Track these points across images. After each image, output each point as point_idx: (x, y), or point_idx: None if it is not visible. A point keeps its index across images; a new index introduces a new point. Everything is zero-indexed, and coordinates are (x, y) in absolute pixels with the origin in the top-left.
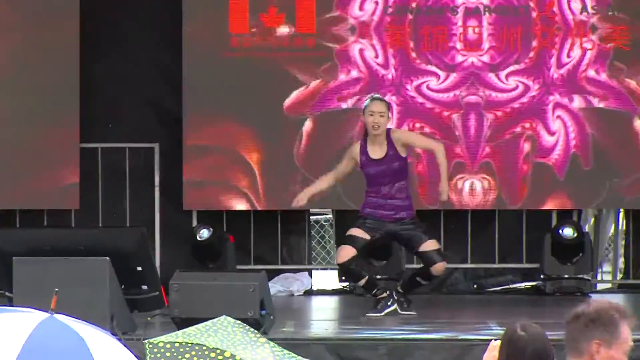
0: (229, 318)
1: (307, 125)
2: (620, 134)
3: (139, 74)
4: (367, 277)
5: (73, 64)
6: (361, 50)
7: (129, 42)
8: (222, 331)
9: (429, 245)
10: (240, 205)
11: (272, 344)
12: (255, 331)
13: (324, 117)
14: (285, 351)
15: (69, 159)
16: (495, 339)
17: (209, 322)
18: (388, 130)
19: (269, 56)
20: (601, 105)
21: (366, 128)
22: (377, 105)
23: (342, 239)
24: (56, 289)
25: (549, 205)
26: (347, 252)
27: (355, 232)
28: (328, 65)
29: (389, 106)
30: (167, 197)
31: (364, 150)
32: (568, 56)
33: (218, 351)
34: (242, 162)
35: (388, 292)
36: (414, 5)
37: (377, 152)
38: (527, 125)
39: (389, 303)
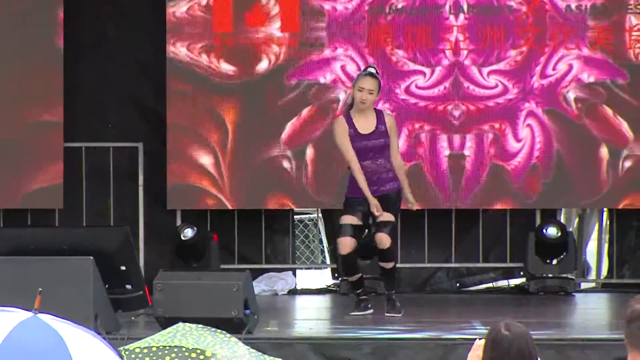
0: (188, 324)
1: (309, 153)
2: (586, 156)
3: (123, 73)
4: (360, 274)
5: (57, 64)
6: (343, 67)
7: (112, 42)
8: (189, 334)
9: (385, 217)
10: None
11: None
12: (223, 331)
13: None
14: (255, 351)
15: (53, 159)
16: (480, 339)
17: (171, 329)
18: (380, 111)
19: (252, 55)
20: (574, 123)
21: (352, 100)
22: (368, 82)
23: (337, 230)
24: (40, 289)
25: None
26: (348, 243)
27: (348, 219)
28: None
29: (379, 83)
30: (151, 197)
31: (351, 124)
32: (553, 69)
33: (199, 351)
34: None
35: (371, 294)
36: (399, 6)
37: (364, 126)
38: (497, 125)
39: (369, 305)
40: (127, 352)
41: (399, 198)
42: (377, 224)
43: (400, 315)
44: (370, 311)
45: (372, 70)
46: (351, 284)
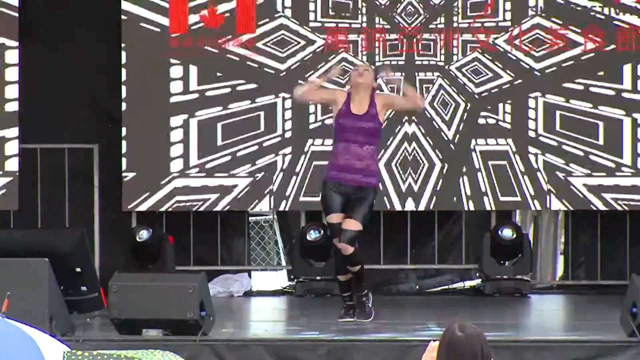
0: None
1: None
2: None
3: (78, 75)
4: (351, 276)
5: (12, 64)
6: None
7: (68, 43)
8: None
9: (350, 225)
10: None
11: None
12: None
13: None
14: None
15: (8, 160)
16: (434, 340)
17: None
18: (373, 92)
19: (208, 57)
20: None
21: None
22: (361, 65)
23: (330, 227)
24: (8, 293)
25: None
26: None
27: (337, 218)
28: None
29: (373, 69)
30: (107, 198)
31: (347, 102)
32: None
33: (136, 357)
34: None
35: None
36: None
37: (358, 107)
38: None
39: (355, 311)
40: (69, 354)
41: (375, 194)
42: (344, 230)
43: (369, 319)
44: (356, 317)
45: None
46: (340, 284)
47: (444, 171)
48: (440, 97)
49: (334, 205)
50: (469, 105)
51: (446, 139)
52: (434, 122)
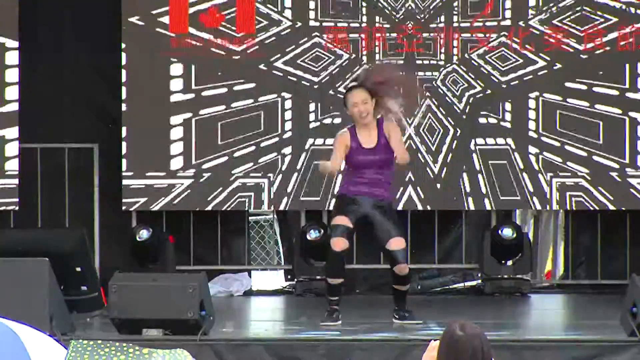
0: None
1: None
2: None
3: (78, 74)
4: (342, 280)
5: (12, 65)
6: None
7: (68, 43)
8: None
9: (397, 243)
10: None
11: None
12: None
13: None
14: None
15: (8, 160)
16: (435, 339)
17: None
18: (380, 120)
19: (208, 57)
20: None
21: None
22: (358, 94)
23: (332, 229)
24: None
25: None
26: (341, 243)
27: (342, 220)
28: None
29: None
30: (107, 198)
31: (354, 137)
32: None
33: (136, 347)
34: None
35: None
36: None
37: (367, 140)
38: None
39: (340, 316)
40: (75, 343)
41: (392, 207)
42: (391, 252)
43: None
44: (340, 322)
45: (354, 83)
46: (329, 287)
47: (444, 171)
48: (444, 97)
49: (343, 211)
50: (468, 107)
51: (447, 139)
52: (434, 122)
